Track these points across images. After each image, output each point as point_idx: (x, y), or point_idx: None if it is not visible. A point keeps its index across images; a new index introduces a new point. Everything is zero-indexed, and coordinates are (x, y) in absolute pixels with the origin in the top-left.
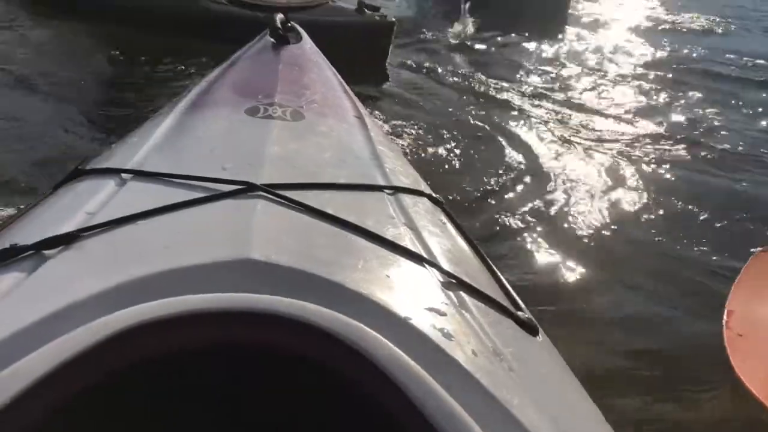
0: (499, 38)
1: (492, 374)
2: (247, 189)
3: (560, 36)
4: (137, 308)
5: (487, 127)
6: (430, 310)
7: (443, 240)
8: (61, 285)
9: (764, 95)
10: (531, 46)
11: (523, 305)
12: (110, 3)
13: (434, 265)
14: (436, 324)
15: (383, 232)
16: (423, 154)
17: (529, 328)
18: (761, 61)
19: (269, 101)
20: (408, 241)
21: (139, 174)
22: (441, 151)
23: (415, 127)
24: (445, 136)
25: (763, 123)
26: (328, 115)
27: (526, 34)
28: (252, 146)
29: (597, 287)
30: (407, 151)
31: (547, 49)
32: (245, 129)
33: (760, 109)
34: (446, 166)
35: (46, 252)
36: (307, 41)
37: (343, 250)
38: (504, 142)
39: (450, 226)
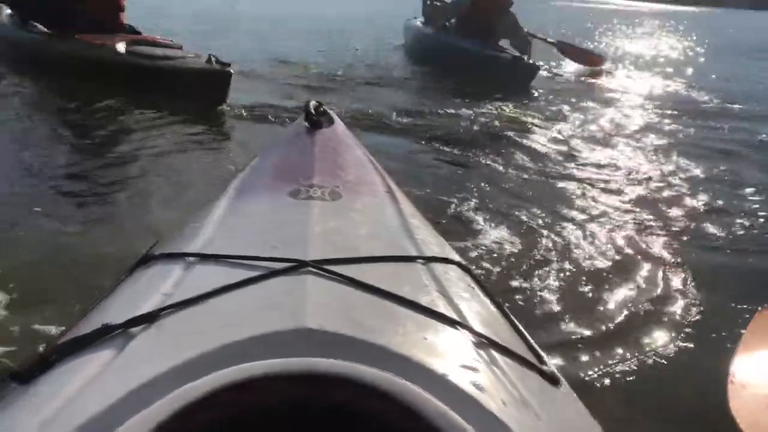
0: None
1: (521, 422)
2: (297, 266)
3: (563, 107)
4: (220, 373)
5: (504, 194)
6: (464, 366)
7: (472, 303)
8: (148, 358)
9: None
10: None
11: (546, 359)
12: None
13: (465, 326)
14: (470, 379)
15: (418, 298)
16: (446, 222)
17: (553, 380)
18: None
19: (308, 183)
20: (441, 306)
21: (203, 257)
22: (464, 220)
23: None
24: (469, 209)
25: None
26: (361, 193)
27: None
28: (297, 226)
29: (614, 341)
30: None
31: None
32: (290, 211)
33: None
34: (471, 234)
35: (132, 330)
36: (339, 124)
37: (384, 317)
38: (521, 209)
39: (478, 290)
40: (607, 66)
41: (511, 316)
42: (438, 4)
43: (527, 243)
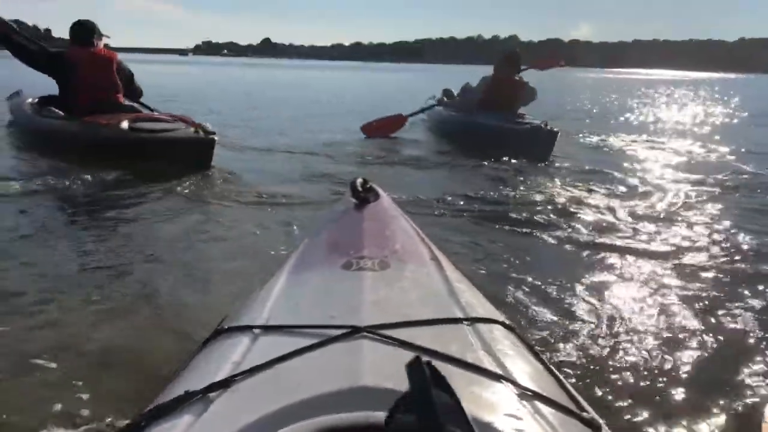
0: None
1: None
2: (352, 332)
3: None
4: (288, 429)
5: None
6: (508, 415)
7: (515, 358)
8: (226, 419)
9: None
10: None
11: (587, 406)
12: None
13: (509, 380)
14: (514, 426)
15: (465, 356)
16: (489, 284)
17: (594, 426)
18: None
19: (359, 255)
20: (486, 362)
21: (267, 328)
22: (505, 282)
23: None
24: (513, 273)
25: None
26: (408, 261)
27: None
28: (351, 296)
29: (651, 388)
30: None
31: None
32: (343, 282)
33: None
34: (514, 295)
35: (210, 395)
36: (384, 198)
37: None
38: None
39: (521, 346)
40: (562, 63)
41: (552, 368)
42: (455, 92)
43: (570, 305)
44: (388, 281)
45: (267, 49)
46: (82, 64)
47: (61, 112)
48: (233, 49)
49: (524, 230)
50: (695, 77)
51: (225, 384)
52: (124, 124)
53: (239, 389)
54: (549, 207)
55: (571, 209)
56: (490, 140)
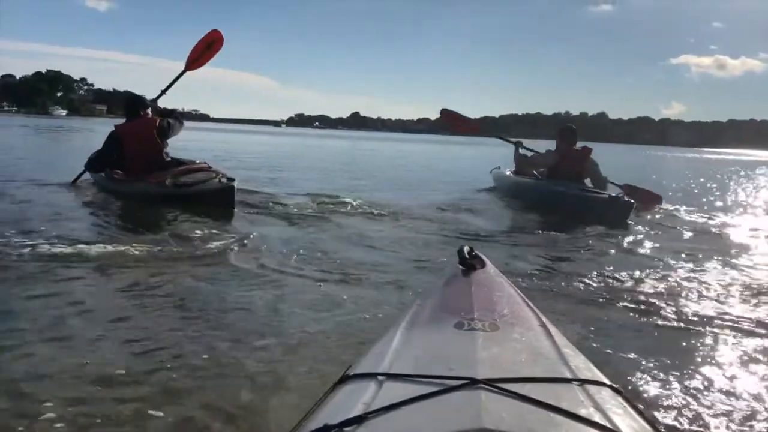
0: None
1: None
2: (471, 383)
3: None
4: None
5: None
6: None
7: (624, 416)
8: None
9: None
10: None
11: None
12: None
13: None
14: None
15: (579, 412)
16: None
17: None
18: None
19: (470, 317)
20: (597, 418)
21: (390, 376)
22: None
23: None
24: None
25: None
26: (517, 325)
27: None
28: (465, 351)
29: None
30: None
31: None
32: (457, 339)
33: None
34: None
35: (345, 429)
36: (490, 266)
37: (549, 426)
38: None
39: (628, 407)
40: (662, 204)
41: (661, 429)
42: (527, 155)
43: (680, 381)
44: (499, 341)
45: (356, 121)
46: (128, 138)
47: (122, 175)
48: (324, 122)
49: (629, 306)
50: None
51: (359, 420)
52: (168, 182)
53: (372, 425)
54: (651, 283)
55: (678, 287)
56: (571, 207)
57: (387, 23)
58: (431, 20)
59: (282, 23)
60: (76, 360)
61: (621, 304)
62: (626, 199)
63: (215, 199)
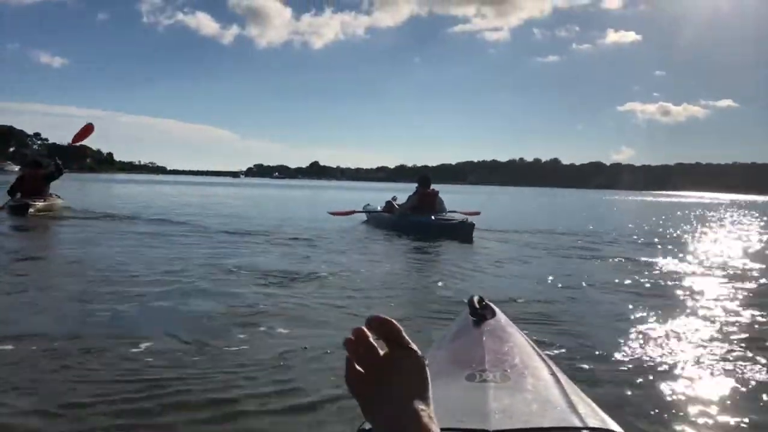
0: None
1: None
2: None
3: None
4: None
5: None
6: None
7: None
8: None
9: None
10: None
11: None
12: None
13: None
14: None
15: None
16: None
17: None
18: None
19: (481, 368)
20: None
21: None
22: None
23: None
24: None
25: None
26: (527, 375)
27: None
28: (477, 403)
29: None
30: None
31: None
32: (468, 391)
33: None
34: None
35: None
36: (501, 316)
37: None
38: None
39: None
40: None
41: None
42: (394, 203)
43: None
44: (510, 392)
45: (316, 170)
46: (26, 179)
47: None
48: (283, 172)
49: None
50: (739, 199)
51: None
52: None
53: None
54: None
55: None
56: (431, 231)
57: (348, 77)
58: (390, 73)
59: (243, 77)
60: None
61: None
62: (470, 221)
63: None
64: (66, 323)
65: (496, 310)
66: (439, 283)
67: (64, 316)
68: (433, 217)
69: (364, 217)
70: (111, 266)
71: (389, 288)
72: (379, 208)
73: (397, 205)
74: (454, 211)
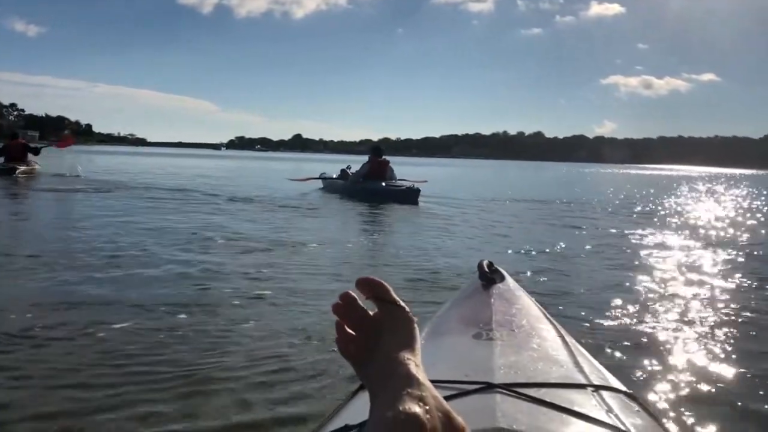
0: None
1: None
2: (486, 388)
3: None
4: None
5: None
6: None
7: (637, 420)
8: None
9: None
10: None
11: None
12: None
13: None
14: None
15: (590, 414)
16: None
17: None
18: None
19: (488, 328)
20: (610, 421)
21: None
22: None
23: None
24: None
25: None
26: (534, 335)
27: None
28: (483, 359)
29: None
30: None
31: None
32: (475, 348)
33: None
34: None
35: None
36: (509, 280)
37: (562, 428)
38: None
39: (642, 412)
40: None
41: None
42: (348, 171)
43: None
44: (516, 350)
45: (298, 144)
46: (11, 146)
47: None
48: (266, 144)
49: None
50: (720, 173)
51: None
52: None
53: None
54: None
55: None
56: (381, 196)
57: (330, 48)
58: (373, 45)
59: (222, 48)
60: None
61: None
62: (416, 187)
63: None
64: (34, 294)
65: (506, 274)
66: (386, 245)
67: (32, 286)
68: (383, 184)
69: (320, 184)
70: (74, 234)
71: (341, 250)
72: (334, 176)
73: (351, 173)
74: (404, 179)
